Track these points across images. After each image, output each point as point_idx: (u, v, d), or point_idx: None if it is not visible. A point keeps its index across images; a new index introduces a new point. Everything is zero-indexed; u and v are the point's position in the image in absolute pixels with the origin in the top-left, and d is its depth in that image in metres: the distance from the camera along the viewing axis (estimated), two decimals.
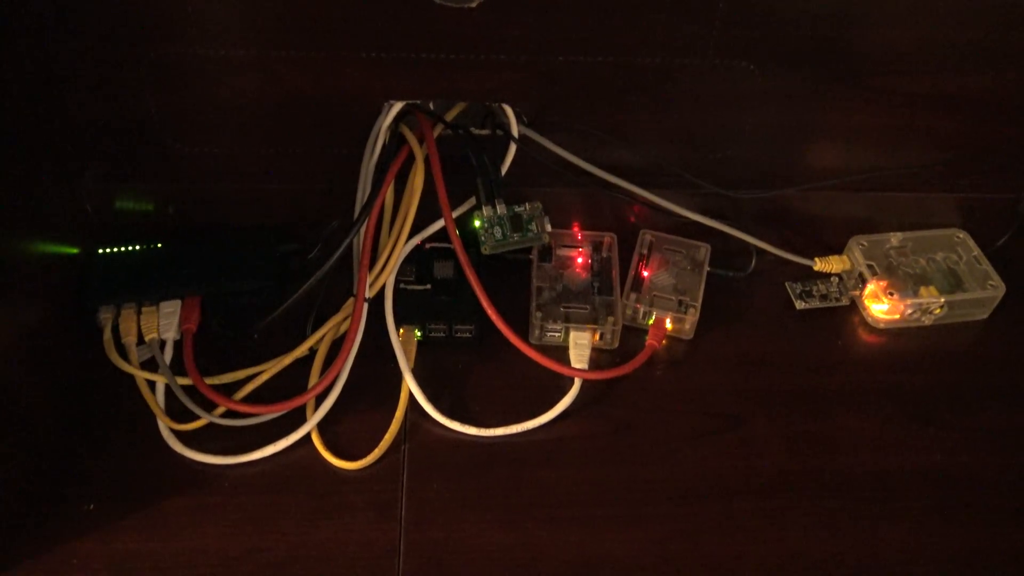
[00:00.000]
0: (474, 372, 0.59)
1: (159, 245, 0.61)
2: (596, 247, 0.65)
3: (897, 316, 0.63)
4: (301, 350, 0.57)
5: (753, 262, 0.66)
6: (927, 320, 0.63)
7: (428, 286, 0.61)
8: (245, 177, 0.63)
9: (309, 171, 0.63)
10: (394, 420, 0.55)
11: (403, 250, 0.60)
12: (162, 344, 0.57)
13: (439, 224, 0.61)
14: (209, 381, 0.55)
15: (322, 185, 0.62)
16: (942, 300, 0.62)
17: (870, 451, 0.56)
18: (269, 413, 0.54)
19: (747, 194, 0.66)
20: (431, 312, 0.60)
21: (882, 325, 0.63)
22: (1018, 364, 0.62)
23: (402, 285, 0.61)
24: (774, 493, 0.54)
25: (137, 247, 0.61)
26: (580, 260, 0.65)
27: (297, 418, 0.55)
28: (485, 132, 0.62)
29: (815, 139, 0.65)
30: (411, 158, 0.59)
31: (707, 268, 0.64)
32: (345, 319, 0.58)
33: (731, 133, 0.64)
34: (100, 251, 0.60)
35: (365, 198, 0.58)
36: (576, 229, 0.66)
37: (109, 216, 0.63)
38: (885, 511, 0.53)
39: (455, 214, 0.60)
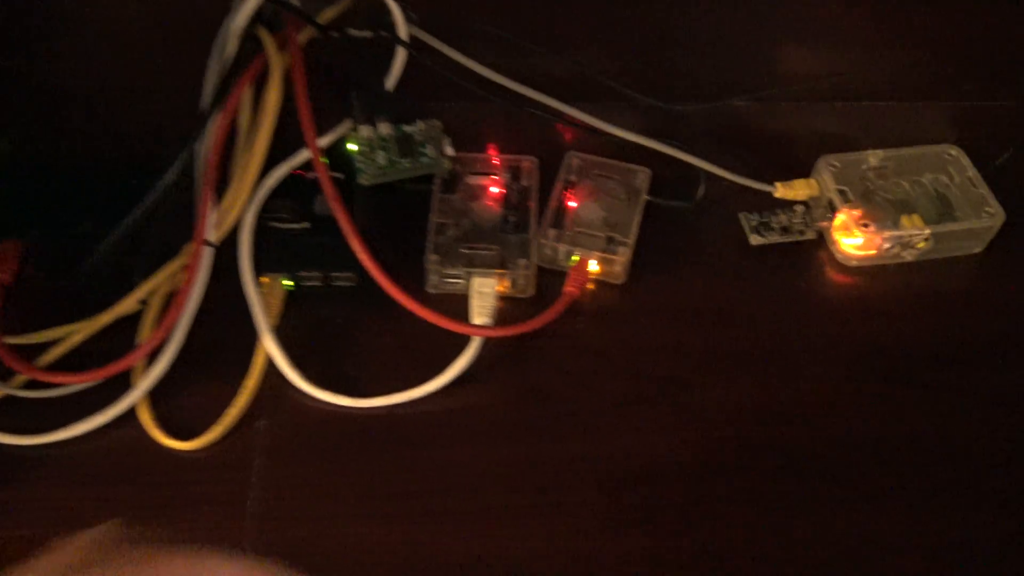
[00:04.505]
0: (355, 330, 0.49)
1: None
2: (515, 174, 0.54)
3: (873, 252, 0.52)
4: (126, 305, 0.46)
5: (701, 189, 0.54)
6: (909, 256, 0.52)
7: (307, 224, 0.50)
8: (80, 99, 0.52)
9: (155, 87, 0.52)
10: (244, 388, 0.45)
11: (256, 182, 0.49)
12: None
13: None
14: (13, 341, 0.44)
15: (170, 105, 0.51)
16: (927, 231, 0.51)
17: (840, 419, 0.46)
18: (78, 383, 0.44)
19: (694, 107, 0.55)
20: (304, 256, 0.49)
21: (855, 263, 0.52)
22: (1018, 307, 0.51)
23: (273, 224, 0.50)
24: (722, 474, 0.44)
25: None
26: (495, 190, 0.54)
27: (123, 388, 0.44)
28: (366, 34, 0.50)
29: (780, 37, 0.53)
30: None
31: (646, 197, 0.53)
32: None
33: (677, 33, 0.52)
34: None
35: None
36: (493, 152, 0.55)
37: None
38: (857, 493, 0.43)
39: (331, 138, 0.49)
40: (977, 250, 0.53)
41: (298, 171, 0.52)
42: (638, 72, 0.53)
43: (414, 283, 0.49)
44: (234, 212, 0.48)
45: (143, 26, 0.49)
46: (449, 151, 0.51)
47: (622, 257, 0.50)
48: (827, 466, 0.44)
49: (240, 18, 0.47)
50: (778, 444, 0.45)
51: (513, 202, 0.53)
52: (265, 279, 0.48)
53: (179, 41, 0.50)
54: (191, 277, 0.45)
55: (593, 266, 0.50)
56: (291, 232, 0.50)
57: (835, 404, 0.46)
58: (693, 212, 0.54)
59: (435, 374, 0.46)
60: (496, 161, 0.55)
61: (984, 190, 0.53)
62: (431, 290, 0.50)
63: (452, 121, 0.52)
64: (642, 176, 0.54)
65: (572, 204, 0.53)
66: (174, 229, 0.48)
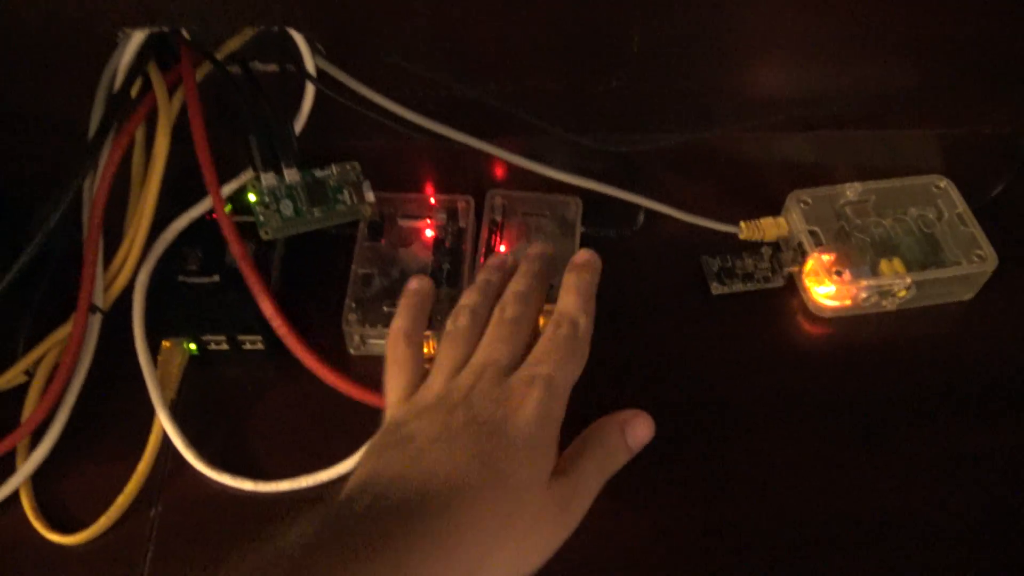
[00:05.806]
0: (265, 397, 0.44)
1: None
2: (451, 215, 0.49)
3: (848, 302, 0.46)
4: (9, 376, 0.42)
5: (641, 217, 0.49)
6: (890, 305, 0.47)
7: (216, 278, 0.46)
8: None
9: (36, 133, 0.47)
10: (136, 473, 0.41)
11: (149, 235, 0.44)
12: None
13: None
14: None
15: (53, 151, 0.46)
16: (908, 280, 0.45)
17: (804, 492, 0.41)
18: None
19: (647, 142, 0.49)
20: (210, 317, 0.45)
21: (829, 313, 0.47)
22: (1009, 360, 0.45)
23: (181, 277, 0.46)
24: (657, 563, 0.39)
25: None
26: (429, 234, 0.49)
27: (7, 471, 0.40)
28: (272, 69, 0.45)
29: (743, 56, 0.47)
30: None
31: (581, 229, 0.48)
32: None
33: (618, 53, 0.47)
34: None
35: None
36: (429, 192, 0.50)
37: None
38: None
39: (235, 185, 0.44)
40: (967, 297, 0.48)
41: (214, 215, 0.47)
42: (578, 101, 0.48)
43: (336, 343, 0.45)
44: (127, 270, 0.43)
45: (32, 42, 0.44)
46: (369, 196, 0.46)
47: None
48: (786, 547, 0.39)
49: (127, 53, 0.42)
50: (731, 522, 0.40)
51: (447, 246, 0.48)
52: (167, 343, 0.44)
53: (70, 68, 0.45)
54: (74, 347, 0.41)
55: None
56: (198, 287, 0.46)
57: (798, 475, 0.41)
58: (654, 259, 0.49)
59: (351, 449, 0.42)
60: (433, 201, 0.50)
61: (975, 229, 0.47)
62: (353, 351, 0.46)
63: (376, 161, 0.47)
64: (573, 206, 0.49)
65: (503, 249, 0.48)
66: (70, 284, 0.43)
